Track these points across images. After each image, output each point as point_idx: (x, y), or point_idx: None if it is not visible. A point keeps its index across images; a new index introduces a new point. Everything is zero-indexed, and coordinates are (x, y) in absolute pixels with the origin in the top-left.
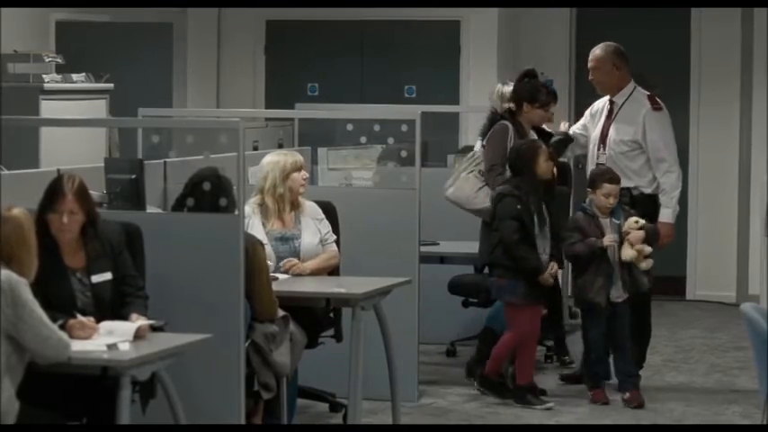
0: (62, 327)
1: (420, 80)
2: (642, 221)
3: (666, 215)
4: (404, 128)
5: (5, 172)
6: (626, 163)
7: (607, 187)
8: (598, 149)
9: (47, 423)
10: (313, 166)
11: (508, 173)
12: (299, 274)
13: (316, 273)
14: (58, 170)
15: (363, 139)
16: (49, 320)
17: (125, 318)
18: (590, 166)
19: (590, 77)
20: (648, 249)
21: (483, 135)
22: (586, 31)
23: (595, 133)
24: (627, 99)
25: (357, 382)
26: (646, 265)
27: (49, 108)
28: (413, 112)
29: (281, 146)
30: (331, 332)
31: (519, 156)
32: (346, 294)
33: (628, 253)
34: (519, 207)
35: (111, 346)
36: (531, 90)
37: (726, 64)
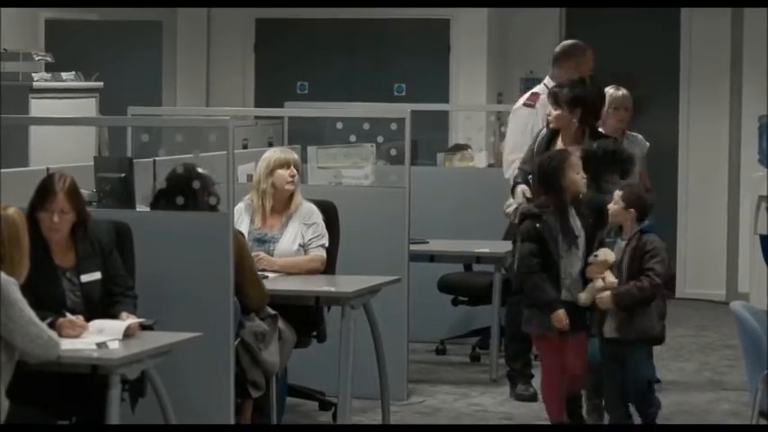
0: (51, 325)
1: (409, 79)
2: (603, 253)
3: None
4: (393, 126)
5: None
6: None
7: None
8: None
9: (36, 422)
10: (303, 164)
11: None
12: (264, 269)
13: (286, 270)
14: (48, 169)
15: (353, 138)
16: (39, 320)
17: (114, 317)
18: None
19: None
20: (602, 284)
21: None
22: (576, 29)
23: None
24: None
25: (347, 380)
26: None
27: (38, 107)
28: (402, 110)
29: (270, 144)
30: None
31: (544, 170)
32: (336, 293)
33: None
34: (538, 226)
35: (101, 345)
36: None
37: (715, 62)
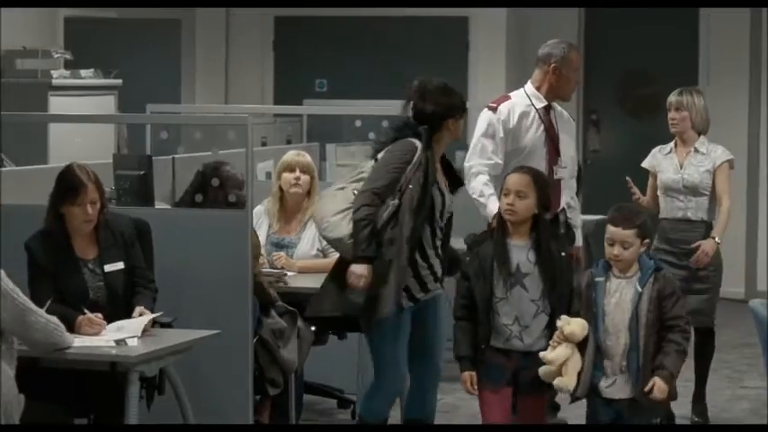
0: (71, 324)
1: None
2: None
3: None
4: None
5: (14, 168)
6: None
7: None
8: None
9: (52, 419)
10: (321, 162)
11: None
12: (284, 268)
13: (305, 272)
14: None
15: (372, 135)
16: (35, 306)
17: (132, 307)
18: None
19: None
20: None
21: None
22: (595, 28)
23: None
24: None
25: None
26: (565, 381)
27: (57, 104)
28: None
29: (289, 142)
30: None
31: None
32: None
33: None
34: (468, 261)
35: (120, 342)
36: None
37: (734, 61)
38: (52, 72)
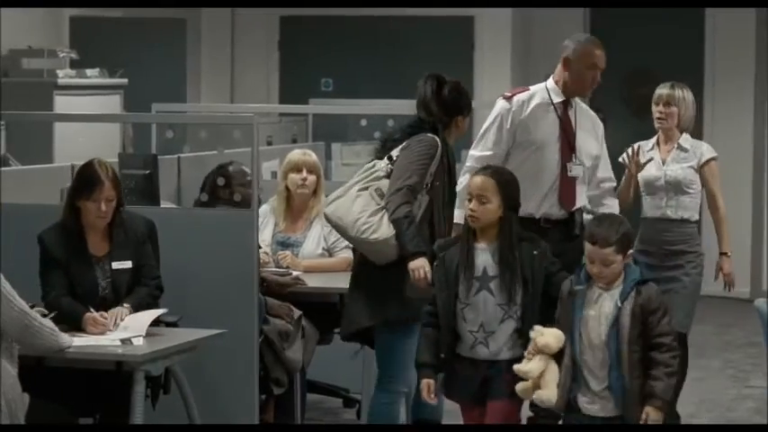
0: (78, 323)
1: None
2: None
3: None
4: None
5: (19, 167)
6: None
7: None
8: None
9: (58, 418)
10: (327, 161)
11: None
12: (288, 267)
13: (311, 271)
14: (73, 166)
15: (377, 135)
16: (29, 309)
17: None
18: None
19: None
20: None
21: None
22: (600, 28)
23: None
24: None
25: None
26: (546, 394)
27: (62, 103)
28: None
29: (294, 141)
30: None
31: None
32: None
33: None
34: (435, 264)
35: (125, 341)
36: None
37: (740, 61)
38: (58, 71)
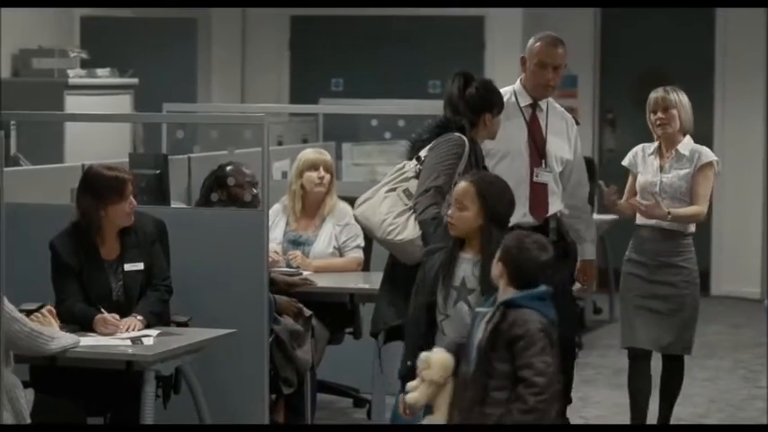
0: (89, 324)
1: (444, 75)
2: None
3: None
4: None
5: (30, 167)
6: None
7: None
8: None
9: (67, 417)
10: (337, 161)
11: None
12: (299, 267)
13: (321, 271)
14: (83, 165)
15: (388, 135)
16: (20, 315)
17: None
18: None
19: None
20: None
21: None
22: (610, 28)
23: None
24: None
25: (381, 376)
26: (436, 419)
27: (73, 103)
28: (437, 107)
29: (305, 141)
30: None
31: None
32: (370, 290)
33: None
34: (417, 274)
35: (135, 341)
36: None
37: (751, 60)
38: (68, 71)
